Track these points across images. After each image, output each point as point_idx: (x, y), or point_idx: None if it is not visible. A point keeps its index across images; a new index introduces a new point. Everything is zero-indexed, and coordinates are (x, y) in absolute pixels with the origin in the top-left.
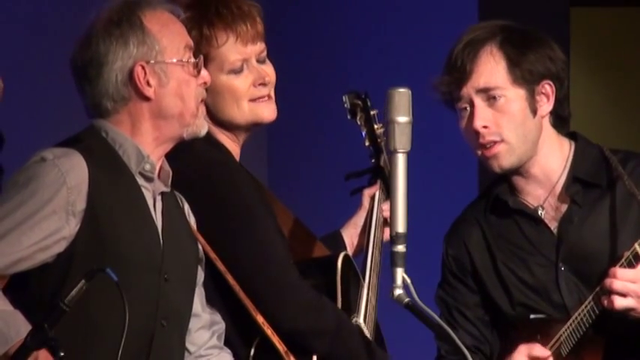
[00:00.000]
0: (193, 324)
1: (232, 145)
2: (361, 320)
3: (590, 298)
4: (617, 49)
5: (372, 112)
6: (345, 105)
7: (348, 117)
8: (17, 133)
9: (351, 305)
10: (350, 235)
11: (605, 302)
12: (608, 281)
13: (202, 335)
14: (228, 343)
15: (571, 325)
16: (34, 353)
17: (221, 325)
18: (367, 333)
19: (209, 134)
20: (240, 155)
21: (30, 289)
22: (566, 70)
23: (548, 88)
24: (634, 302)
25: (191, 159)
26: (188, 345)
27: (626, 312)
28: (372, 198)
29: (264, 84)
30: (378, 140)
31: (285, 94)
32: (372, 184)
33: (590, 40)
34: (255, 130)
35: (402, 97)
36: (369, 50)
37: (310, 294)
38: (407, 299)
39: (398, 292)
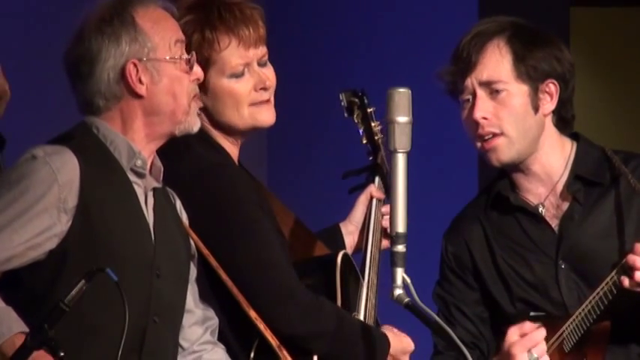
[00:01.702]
0: (186, 320)
1: (231, 147)
2: (361, 318)
3: (599, 289)
4: (617, 49)
5: (369, 110)
6: (342, 103)
7: (345, 115)
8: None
9: (350, 304)
10: (349, 232)
11: (627, 279)
12: (631, 257)
13: (195, 331)
14: (222, 339)
15: (574, 320)
16: (34, 353)
17: (214, 321)
18: None
19: (208, 136)
20: (238, 157)
21: (22, 286)
22: (573, 73)
23: (552, 87)
24: None
25: (190, 161)
26: (181, 341)
27: None
28: (371, 195)
29: (264, 88)
30: (376, 137)
31: (284, 94)
32: (369, 181)
33: (590, 40)
34: (253, 133)
35: (402, 97)
36: (368, 50)
37: (308, 296)
38: (407, 299)
39: (398, 292)
